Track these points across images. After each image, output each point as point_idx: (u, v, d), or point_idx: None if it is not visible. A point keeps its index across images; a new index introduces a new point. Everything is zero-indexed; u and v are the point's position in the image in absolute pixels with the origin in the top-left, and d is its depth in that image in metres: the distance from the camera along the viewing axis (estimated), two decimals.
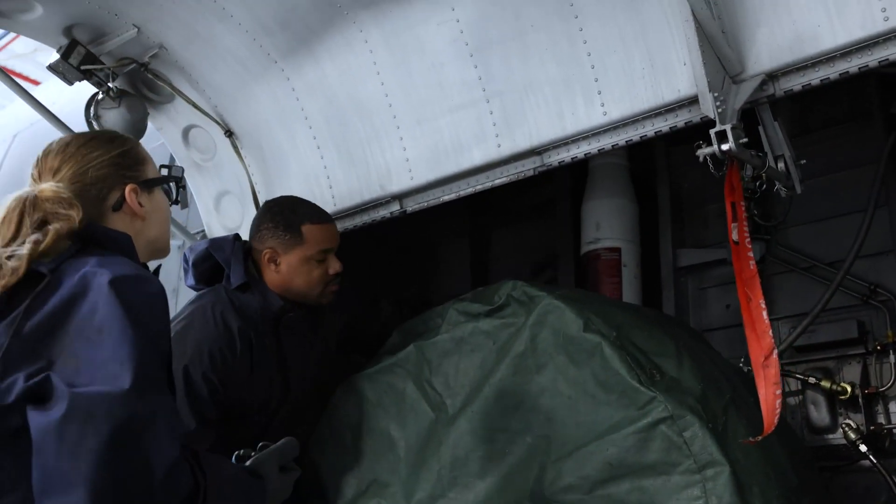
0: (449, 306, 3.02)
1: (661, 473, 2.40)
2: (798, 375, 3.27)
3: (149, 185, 2.21)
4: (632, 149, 3.80)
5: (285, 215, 2.98)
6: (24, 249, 1.91)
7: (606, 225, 3.72)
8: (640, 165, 3.91)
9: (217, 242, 3.05)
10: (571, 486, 2.51)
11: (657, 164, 3.86)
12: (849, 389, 3.17)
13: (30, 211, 1.98)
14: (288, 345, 3.06)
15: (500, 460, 2.70)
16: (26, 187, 2.08)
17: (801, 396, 3.35)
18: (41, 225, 1.96)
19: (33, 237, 1.93)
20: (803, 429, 3.33)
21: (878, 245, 3.30)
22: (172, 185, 2.40)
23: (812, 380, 3.22)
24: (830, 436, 3.26)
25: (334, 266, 3.03)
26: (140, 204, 2.16)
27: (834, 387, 3.19)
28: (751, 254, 2.24)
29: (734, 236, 2.23)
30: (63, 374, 1.73)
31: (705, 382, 2.56)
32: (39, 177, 2.12)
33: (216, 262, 3.02)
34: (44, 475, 1.68)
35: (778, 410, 2.12)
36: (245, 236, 3.47)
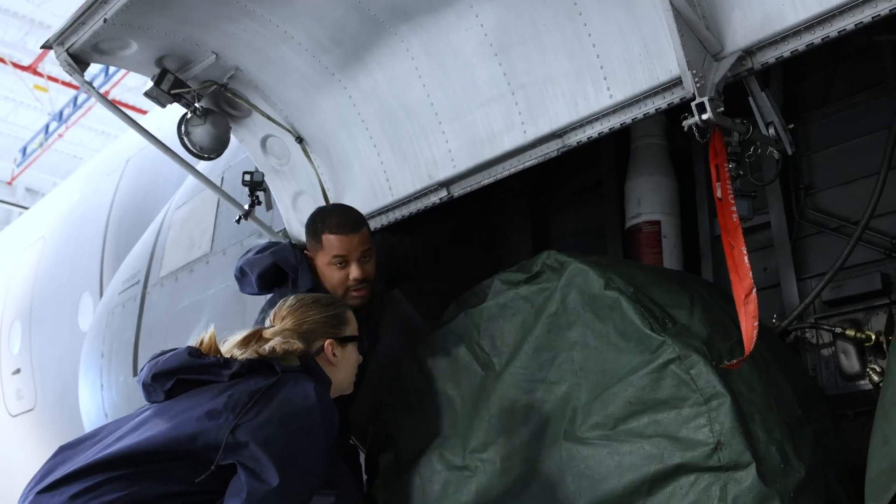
0: (494, 277, 3.41)
1: (673, 407, 2.73)
2: (825, 327, 3.51)
3: (343, 341, 2.79)
4: (671, 129, 4.16)
5: (315, 224, 3.36)
6: (273, 344, 2.59)
7: (646, 200, 4.02)
8: (679, 144, 4.19)
9: (280, 253, 3.41)
10: (598, 424, 2.86)
11: (693, 142, 4.14)
12: (873, 337, 3.38)
13: (255, 339, 2.63)
14: (360, 332, 3.50)
15: (539, 407, 3.07)
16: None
17: (832, 348, 3.58)
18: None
19: (282, 343, 2.60)
20: (837, 377, 3.55)
21: None
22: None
23: (838, 329, 3.44)
24: (861, 382, 3.47)
25: (354, 273, 3.29)
26: (334, 354, 2.76)
27: (859, 335, 3.40)
28: (734, 208, 2.55)
29: (718, 194, 2.55)
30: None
31: (713, 328, 2.87)
32: (273, 320, 2.77)
33: (278, 269, 3.39)
34: None
35: (754, 340, 2.42)
36: None
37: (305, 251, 3.41)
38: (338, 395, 2.78)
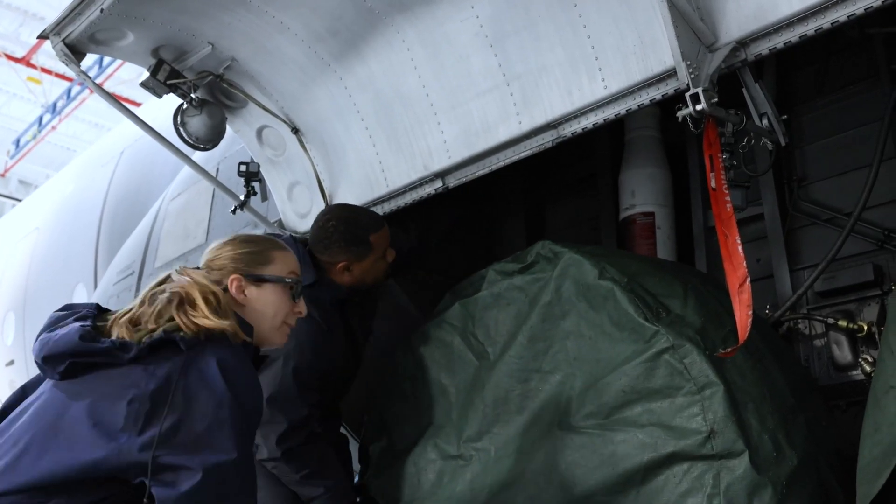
0: (489, 268, 3.43)
1: (666, 396, 2.74)
2: (818, 318, 3.53)
3: (253, 278, 2.43)
4: (665, 121, 4.18)
5: (352, 231, 3.37)
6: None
7: (640, 192, 4.04)
8: (672, 136, 4.21)
9: None
10: (592, 413, 2.88)
11: (686, 133, 4.15)
12: (865, 327, 3.40)
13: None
14: (353, 323, 3.53)
15: (534, 397, 3.08)
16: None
17: (825, 338, 3.60)
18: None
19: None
20: (829, 368, 3.57)
21: (891, 193, 3.52)
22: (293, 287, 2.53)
23: (830, 320, 3.47)
24: (853, 372, 3.49)
25: (391, 255, 3.49)
26: (244, 294, 2.41)
27: (851, 326, 3.43)
28: (727, 198, 2.57)
29: (712, 184, 2.57)
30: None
31: (707, 317, 2.89)
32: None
33: None
34: None
35: (748, 329, 2.44)
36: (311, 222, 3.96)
37: (340, 262, 3.39)
38: (264, 345, 2.48)
